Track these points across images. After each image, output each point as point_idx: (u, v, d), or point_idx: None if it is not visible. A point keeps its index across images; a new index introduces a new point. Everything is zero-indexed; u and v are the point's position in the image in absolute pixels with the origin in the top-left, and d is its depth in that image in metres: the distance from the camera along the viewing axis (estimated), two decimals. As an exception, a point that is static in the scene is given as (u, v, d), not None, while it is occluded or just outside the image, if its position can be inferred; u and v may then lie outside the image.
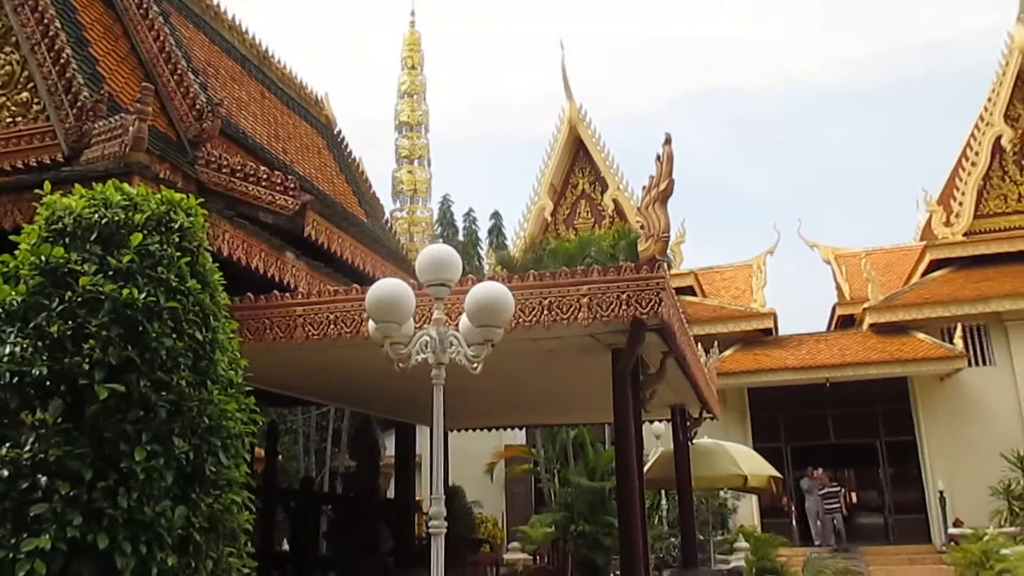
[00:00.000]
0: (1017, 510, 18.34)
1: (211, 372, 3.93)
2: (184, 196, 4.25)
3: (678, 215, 28.50)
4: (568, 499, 17.50)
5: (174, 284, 3.86)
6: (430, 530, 5.11)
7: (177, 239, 4.02)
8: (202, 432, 3.76)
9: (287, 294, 7.58)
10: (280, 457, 18.64)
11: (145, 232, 3.94)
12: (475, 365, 5.18)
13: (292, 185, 9.44)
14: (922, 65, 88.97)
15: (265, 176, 9.33)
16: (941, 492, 20.21)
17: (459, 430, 14.47)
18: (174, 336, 3.80)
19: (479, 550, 13.32)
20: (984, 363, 21.40)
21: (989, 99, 24.51)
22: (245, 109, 12.71)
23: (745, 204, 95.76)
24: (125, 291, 3.72)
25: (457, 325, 5.34)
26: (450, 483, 14.67)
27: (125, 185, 4.15)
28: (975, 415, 20.84)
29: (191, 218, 4.18)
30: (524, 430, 20.21)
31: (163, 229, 4.00)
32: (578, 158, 27.78)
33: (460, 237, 26.85)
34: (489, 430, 15.18)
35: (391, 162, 29.45)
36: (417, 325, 5.46)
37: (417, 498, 15.37)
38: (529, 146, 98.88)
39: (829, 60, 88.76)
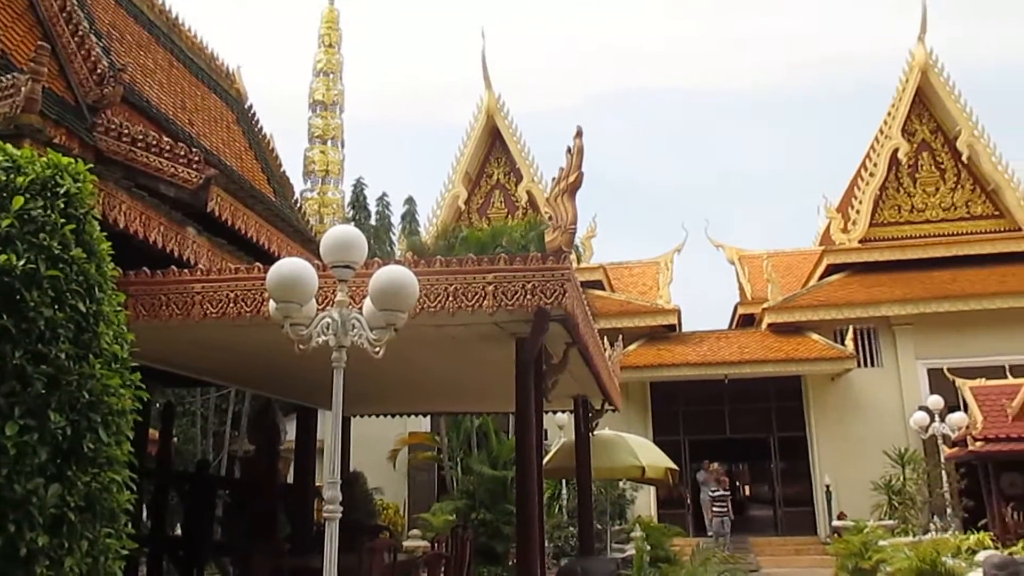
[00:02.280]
0: (896, 504, 19.29)
1: (94, 345, 3.76)
2: (72, 160, 4.04)
3: (590, 210, 28.86)
4: (470, 487, 17.55)
5: (57, 252, 3.67)
6: (325, 515, 5.04)
7: (62, 205, 3.82)
8: (81, 407, 3.59)
9: (186, 270, 7.33)
10: (175, 439, 18.07)
11: (27, 196, 3.73)
12: (377, 349, 5.13)
13: (196, 158, 9.12)
14: (833, 77, 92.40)
15: (168, 147, 8.98)
16: (828, 486, 21.14)
17: (362, 416, 14.33)
18: (55, 306, 3.61)
19: (378, 536, 13.21)
20: (872, 364, 22.44)
21: (889, 113, 25.66)
22: (151, 77, 12.21)
23: (657, 202, 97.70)
24: (2, 257, 3.52)
25: (361, 308, 5.26)
26: (351, 469, 14.54)
27: (8, 146, 3.92)
28: (862, 413, 21.86)
29: (79, 184, 3.97)
30: (428, 417, 20.18)
31: (47, 194, 3.79)
32: (494, 148, 27.80)
33: (373, 221, 26.53)
34: (393, 416, 15.08)
35: (303, 141, 28.87)
36: (320, 307, 5.36)
37: (317, 484, 15.14)
38: (446, 133, 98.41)
39: (744, 67, 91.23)
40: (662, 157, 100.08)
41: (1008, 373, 18.64)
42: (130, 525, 3.89)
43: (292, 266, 5.03)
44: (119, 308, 4.13)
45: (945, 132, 25.26)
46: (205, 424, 20.82)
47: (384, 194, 26.16)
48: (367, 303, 5.18)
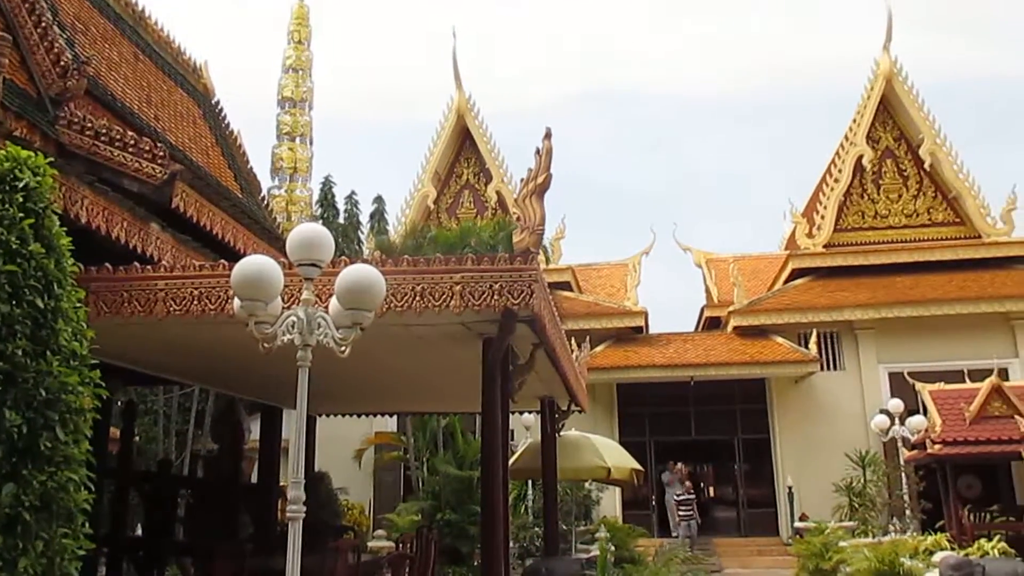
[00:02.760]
0: (856, 506, 19.61)
1: (52, 342, 3.70)
2: (32, 154, 3.97)
3: (559, 211, 28.95)
4: (436, 487, 17.52)
5: (14, 246, 3.61)
6: (288, 515, 5.01)
7: (21, 199, 3.76)
8: (38, 405, 3.53)
9: (149, 267, 7.23)
10: (137, 438, 17.81)
11: (-16, 190, 3.67)
12: (343, 348, 5.11)
13: (161, 153, 9.02)
14: (802, 83, 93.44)
15: (132, 142, 8.86)
16: (790, 488, 21.40)
17: (327, 415, 14.24)
18: (11, 302, 3.55)
19: (343, 537, 13.13)
20: (835, 368, 22.75)
21: (854, 120, 26.04)
22: (116, 70, 12.03)
23: (626, 205, 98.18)
24: (-42, 252, 3.46)
25: (327, 307, 5.24)
26: (316, 469, 14.42)
27: (-35, 138, 3.84)
28: (824, 416, 22.15)
29: (39, 178, 3.90)
30: (395, 417, 20.12)
31: (6, 187, 3.73)
32: (464, 148, 27.78)
33: (341, 220, 26.33)
34: (359, 416, 14.98)
35: (272, 138, 28.61)
36: (285, 305, 5.33)
37: (281, 484, 15.01)
38: (416, 132, 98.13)
39: (715, 72, 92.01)
40: (632, 160, 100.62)
41: (967, 377, 18.98)
42: (88, 525, 3.83)
43: (257, 264, 4.99)
44: (79, 304, 4.07)
45: (908, 140, 25.68)
46: (168, 423, 20.53)
47: (353, 192, 25.99)
48: (333, 302, 5.16)
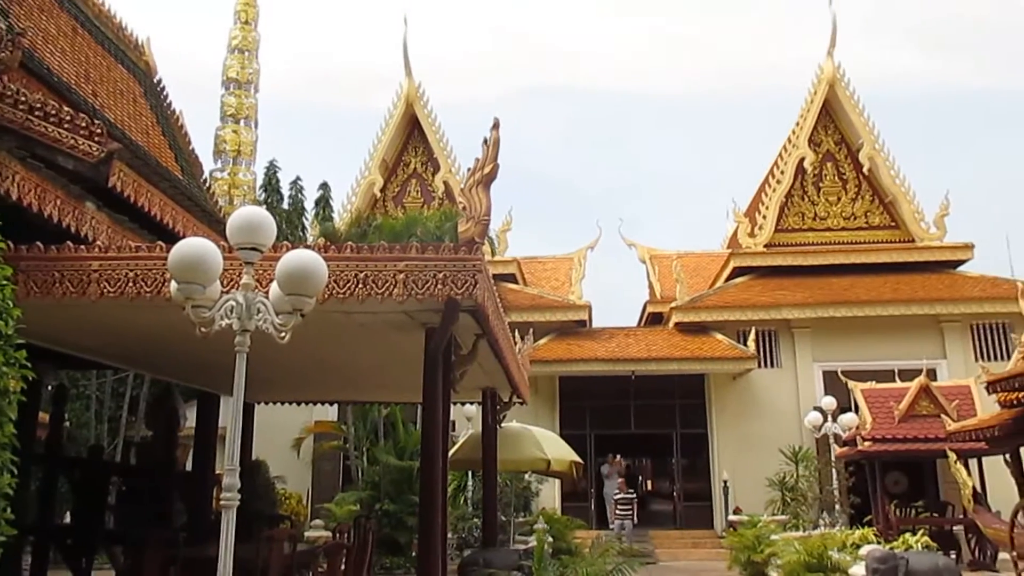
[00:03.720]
0: (788, 500, 20.09)
1: (-24, 321, 3.57)
2: (-42, 125, 3.81)
3: (506, 204, 28.90)
4: (376, 477, 17.44)
5: (-62, 221, 3.47)
6: (222, 503, 4.93)
7: (-53, 172, 3.61)
8: (-41, 386, 3.41)
9: (82, 246, 7.02)
10: (68, 423, 17.35)
11: (-92, 161, 3.52)
12: (283, 334, 5.05)
13: (99, 130, 8.74)
14: (749, 85, 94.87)
15: (68, 117, 8.56)
16: (725, 482, 21.81)
17: (266, 403, 14.05)
18: (-67, 278, 3.42)
19: (278, 526, 12.97)
20: (772, 365, 23.23)
21: (797, 124, 26.59)
22: (52, 44, 11.63)
23: (574, 199, 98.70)
24: None
25: (267, 292, 5.16)
26: (253, 457, 14.22)
27: None
28: (760, 412, 22.62)
29: (-35, 151, 3.75)
30: (335, 406, 19.93)
31: (-69, 159, 3.58)
32: (412, 137, 27.61)
33: (285, 205, 25.92)
34: (298, 404, 14.83)
35: (215, 120, 28.00)
36: (224, 289, 5.24)
37: (217, 472, 14.76)
38: (365, 120, 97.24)
39: (665, 71, 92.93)
40: (581, 155, 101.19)
41: (897, 377, 19.55)
42: (11, 511, 3.71)
43: (195, 246, 4.89)
44: (4, 282, 3.93)
45: (849, 144, 26.31)
46: (100, 408, 20.04)
47: (298, 178, 25.59)
48: (274, 287, 5.08)
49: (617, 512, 20.39)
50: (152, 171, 10.35)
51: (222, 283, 5.20)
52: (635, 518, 20.44)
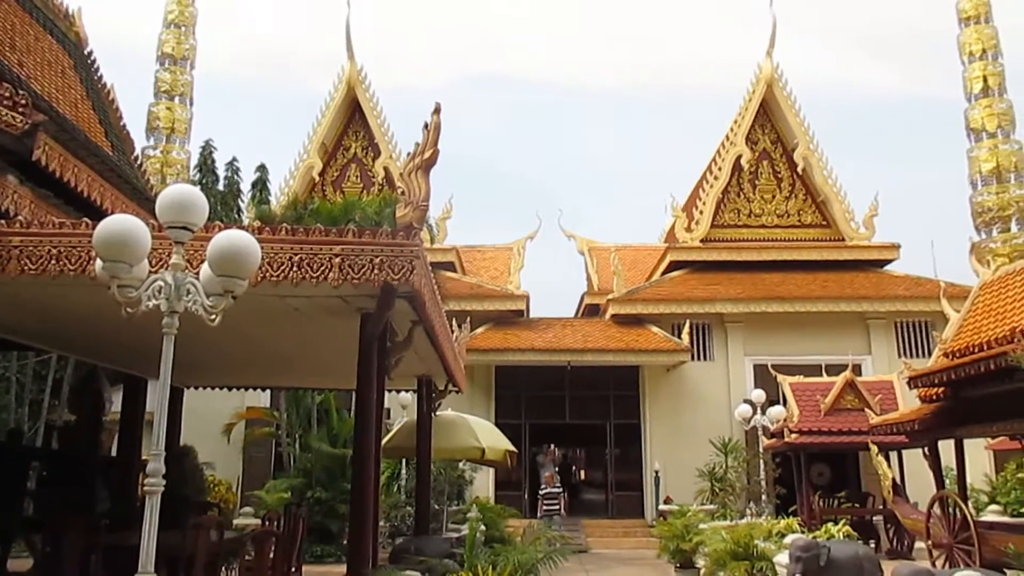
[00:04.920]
0: (717, 490, 20.50)
1: None
2: None
3: (446, 192, 28.81)
4: (308, 465, 17.23)
5: None
6: (146, 488, 4.79)
7: None
8: None
9: (3, 221, 6.75)
10: (-15, 406, 16.71)
11: None
12: (213, 317, 4.92)
13: (24, 101, 8.43)
14: (694, 82, 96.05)
15: (-10, 87, 8.25)
16: (657, 472, 22.16)
17: (195, 387, 13.76)
18: None
19: (206, 513, 12.72)
20: (704, 358, 23.64)
21: (736, 121, 27.05)
22: (-26, 9, 11.16)
23: (515, 190, 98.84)
24: None
25: (198, 273, 5.03)
26: (182, 443, 13.90)
27: None
28: (692, 404, 23.02)
29: None
30: (268, 392, 19.62)
31: None
32: (353, 121, 27.26)
33: (220, 187, 25.34)
34: (230, 389, 14.53)
35: (149, 96, 27.20)
36: (152, 269, 5.08)
37: (144, 458, 14.40)
38: (305, 102, 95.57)
39: (614, 64, 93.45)
40: (523, 145, 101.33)
41: (824, 371, 20.10)
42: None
43: (123, 223, 4.72)
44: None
45: (784, 143, 26.86)
46: (21, 391, 19.31)
47: (234, 159, 24.94)
48: (205, 268, 4.95)
49: (544, 507, 20.54)
50: (80, 146, 10.01)
51: (150, 263, 5.04)
52: (563, 510, 20.61)
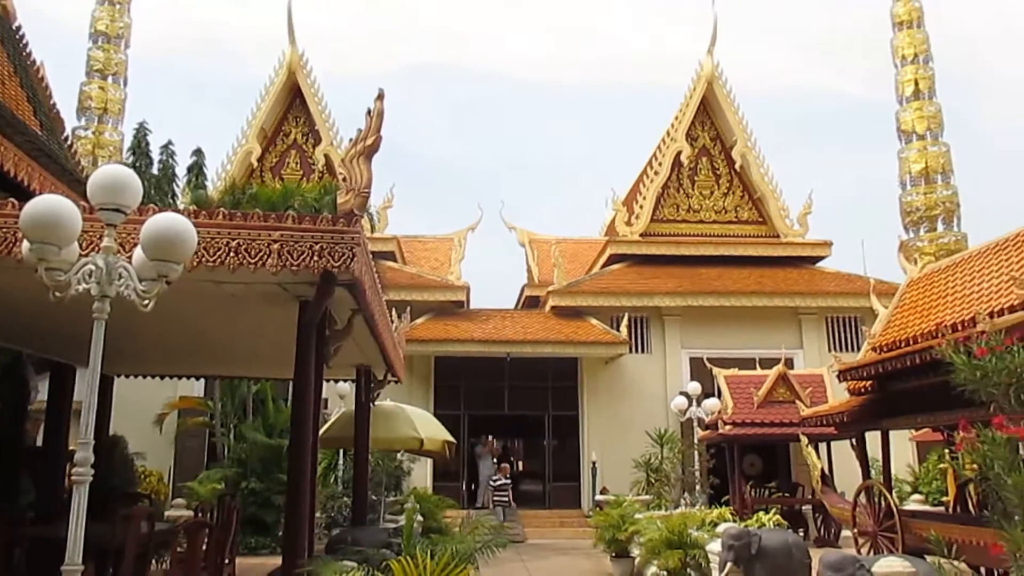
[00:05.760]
0: (653, 481, 20.82)
1: None
2: None
3: (388, 180, 28.52)
4: (242, 455, 16.96)
5: None
6: (73, 479, 4.65)
7: None
8: None
9: (-78, 200, 6.46)
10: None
11: None
12: (146, 302, 4.78)
13: (-55, 76, 8.08)
14: (638, 77, 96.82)
15: (-91, 60, 7.88)
16: (594, 463, 22.38)
17: (127, 376, 13.42)
18: None
19: (136, 505, 12.43)
20: (642, 351, 23.94)
21: (676, 118, 27.41)
22: None
23: (457, 180, 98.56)
24: None
25: (130, 257, 4.88)
26: (112, 432, 13.55)
27: None
28: (630, 396, 23.30)
29: None
30: (202, 381, 19.24)
31: None
32: (293, 107, 26.82)
33: (155, 170, 24.67)
34: (162, 378, 14.21)
35: (81, 75, 26.34)
36: (83, 252, 4.92)
37: (71, 447, 14.00)
38: (245, 87, 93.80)
39: (562, 58, 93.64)
40: (465, 136, 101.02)
41: (758, 365, 20.54)
42: None
43: (51, 204, 4.56)
44: None
45: (723, 141, 27.33)
46: (-60, 378, 18.60)
47: (169, 142, 24.27)
48: (138, 252, 4.81)
49: (495, 498, 20.60)
50: (6, 124, 9.66)
51: (81, 245, 4.89)
52: (512, 502, 20.75)
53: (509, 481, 20.82)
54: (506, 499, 20.39)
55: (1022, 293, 8.57)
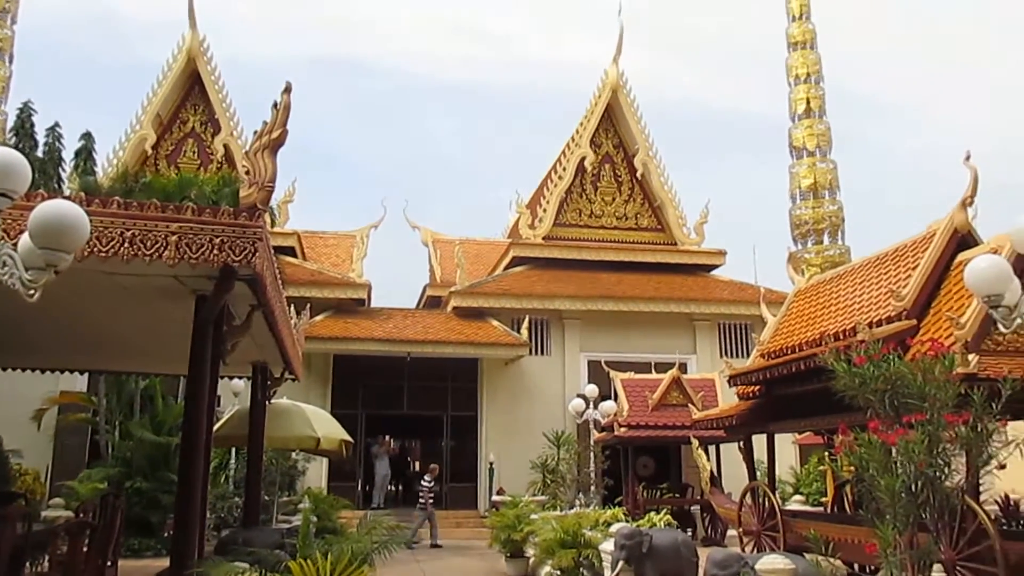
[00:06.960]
0: (549, 481, 21.07)
1: None
2: None
3: (290, 175, 27.88)
4: (128, 453, 16.32)
5: None
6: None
7: None
8: None
9: None
10: None
11: None
12: (32, 292, 4.56)
13: None
14: (547, 81, 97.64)
15: None
16: (491, 464, 22.51)
17: (4, 368, 12.71)
18: None
19: (11, 504, 11.80)
20: (542, 353, 24.22)
21: (582, 124, 27.87)
22: None
23: (359, 176, 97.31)
24: None
25: (15, 244, 4.65)
26: (-17, 428, 12.83)
27: None
28: (529, 398, 23.54)
29: None
30: (87, 376, 18.39)
31: None
32: (192, 94, 25.96)
33: (40, 153, 23.46)
34: (43, 372, 13.50)
35: (-40, 49, 24.77)
36: (-37, 238, 4.66)
37: (-62, 444, 13.18)
38: (140, 71, 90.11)
39: (470, 58, 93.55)
40: (368, 132, 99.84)
41: (653, 369, 21.07)
42: None
43: (-70, 186, 4.31)
44: None
45: (626, 148, 27.94)
46: None
47: (57, 124, 23.10)
48: (24, 239, 4.59)
49: (420, 502, 20.34)
50: None
51: (-39, 231, 4.63)
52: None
53: (435, 485, 20.67)
54: (433, 500, 20.29)
55: (899, 305, 9.10)
